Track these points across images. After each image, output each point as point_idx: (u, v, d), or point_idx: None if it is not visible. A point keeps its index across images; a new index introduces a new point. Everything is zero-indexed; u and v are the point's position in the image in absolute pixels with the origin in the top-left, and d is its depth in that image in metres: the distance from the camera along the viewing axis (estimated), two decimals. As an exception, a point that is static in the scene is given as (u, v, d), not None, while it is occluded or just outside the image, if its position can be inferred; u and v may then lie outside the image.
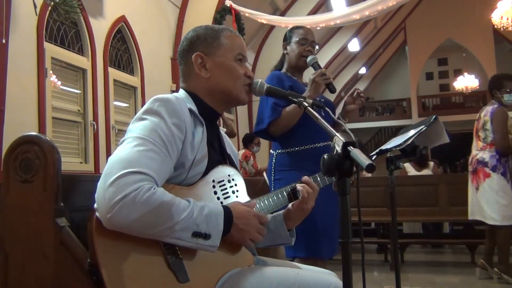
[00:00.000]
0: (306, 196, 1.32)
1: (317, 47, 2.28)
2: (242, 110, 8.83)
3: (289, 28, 2.37)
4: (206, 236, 1.07)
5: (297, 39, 2.24)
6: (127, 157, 1.05)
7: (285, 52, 2.31)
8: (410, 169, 6.04)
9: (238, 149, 6.08)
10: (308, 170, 1.60)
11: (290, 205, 1.37)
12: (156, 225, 1.02)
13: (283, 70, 2.32)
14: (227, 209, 1.14)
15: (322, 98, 2.25)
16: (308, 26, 2.52)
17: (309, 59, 2.20)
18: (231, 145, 1.46)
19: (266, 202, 1.33)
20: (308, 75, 2.12)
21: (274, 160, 2.19)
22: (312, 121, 1.24)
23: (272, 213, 1.38)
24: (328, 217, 2.02)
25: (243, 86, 1.34)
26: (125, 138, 1.12)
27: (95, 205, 1.02)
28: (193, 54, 1.31)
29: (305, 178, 1.37)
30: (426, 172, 5.94)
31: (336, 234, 2.17)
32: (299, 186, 1.34)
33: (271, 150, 2.25)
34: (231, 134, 5.30)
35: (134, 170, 1.02)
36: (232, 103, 1.37)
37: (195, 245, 1.07)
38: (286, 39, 2.31)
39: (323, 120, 1.18)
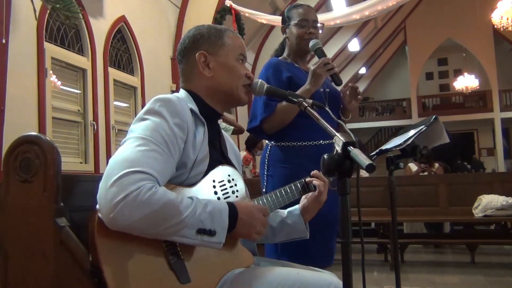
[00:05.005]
0: (322, 190, 1.39)
1: (319, 25, 2.03)
2: (242, 110, 8.83)
3: (286, 8, 2.10)
4: (211, 233, 1.06)
5: (296, 21, 2.00)
6: (129, 157, 1.05)
7: (284, 36, 2.08)
8: (415, 169, 6.07)
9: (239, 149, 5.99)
10: (303, 169, 1.55)
11: (304, 199, 1.42)
12: (159, 223, 1.01)
13: (284, 55, 2.09)
14: (231, 205, 1.14)
15: (328, 88, 2.02)
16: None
17: (311, 44, 1.95)
18: (233, 146, 1.45)
19: (279, 194, 1.37)
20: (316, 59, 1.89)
21: (268, 153, 2.00)
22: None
23: (283, 207, 1.42)
24: (319, 224, 1.73)
25: (243, 87, 1.34)
26: (127, 138, 1.12)
27: (97, 206, 1.02)
28: (197, 52, 1.31)
29: (315, 172, 1.41)
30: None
31: (327, 245, 1.95)
32: (315, 181, 1.40)
33: (266, 141, 2.07)
34: (239, 131, 5.18)
35: (136, 169, 1.02)
36: (232, 104, 1.38)
37: (200, 242, 1.07)
38: (285, 21, 2.06)
39: (323, 121, 1.17)
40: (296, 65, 2.05)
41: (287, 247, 1.80)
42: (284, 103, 1.85)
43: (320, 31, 2.04)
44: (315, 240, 1.62)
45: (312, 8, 2.09)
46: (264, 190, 1.99)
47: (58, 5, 3.34)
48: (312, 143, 1.93)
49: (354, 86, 1.99)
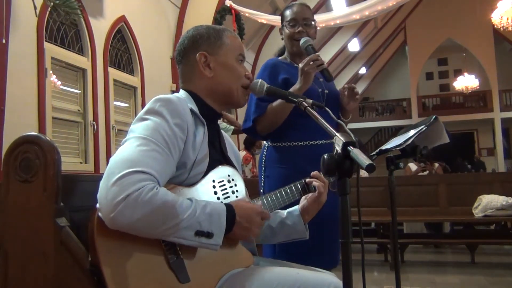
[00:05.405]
0: (322, 191, 1.39)
1: (313, 23, 2.01)
2: (242, 110, 8.82)
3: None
4: (209, 235, 1.07)
5: (286, 21, 2.01)
6: (130, 156, 1.05)
7: (281, 38, 2.08)
8: (414, 169, 6.07)
9: (239, 149, 5.97)
10: (300, 170, 1.55)
11: (303, 199, 1.43)
12: (159, 224, 1.02)
13: (284, 55, 2.10)
14: (230, 208, 1.14)
15: (327, 89, 2.00)
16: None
17: (301, 42, 1.93)
18: (232, 146, 1.45)
19: (279, 195, 1.37)
20: None
21: (265, 153, 2.00)
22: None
23: (283, 208, 1.42)
24: (317, 225, 1.67)
25: (242, 88, 1.35)
26: (127, 138, 1.12)
27: (98, 205, 1.02)
28: (196, 53, 1.31)
29: (315, 173, 1.42)
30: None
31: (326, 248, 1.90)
32: (315, 182, 1.40)
33: (264, 141, 2.08)
34: (240, 131, 5.19)
35: (137, 169, 1.02)
36: (231, 104, 1.38)
37: (197, 244, 1.07)
38: (281, 23, 2.08)
39: (323, 120, 1.17)
40: (295, 65, 2.01)
41: (286, 247, 1.79)
42: (274, 103, 1.86)
43: (312, 23, 2.01)
44: (314, 241, 1.61)
45: (303, 6, 2.07)
46: (261, 191, 1.97)
47: (58, 1, 3.36)
48: (309, 143, 1.91)
49: (351, 86, 1.98)
